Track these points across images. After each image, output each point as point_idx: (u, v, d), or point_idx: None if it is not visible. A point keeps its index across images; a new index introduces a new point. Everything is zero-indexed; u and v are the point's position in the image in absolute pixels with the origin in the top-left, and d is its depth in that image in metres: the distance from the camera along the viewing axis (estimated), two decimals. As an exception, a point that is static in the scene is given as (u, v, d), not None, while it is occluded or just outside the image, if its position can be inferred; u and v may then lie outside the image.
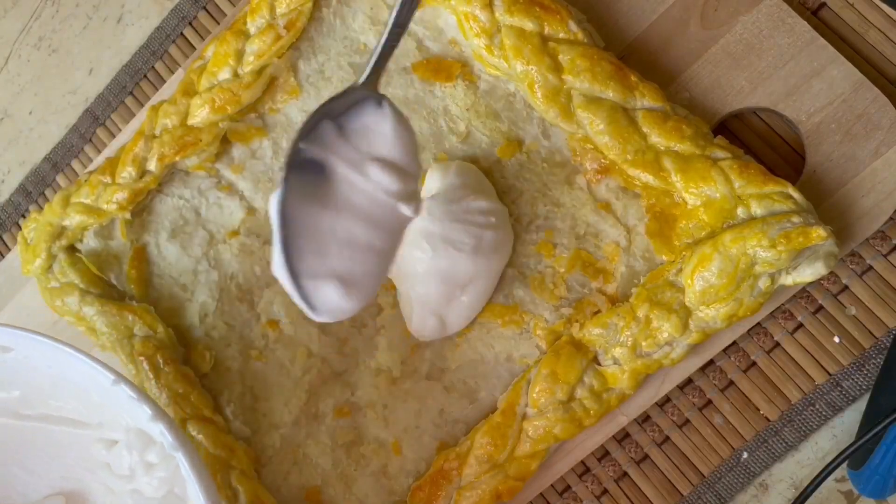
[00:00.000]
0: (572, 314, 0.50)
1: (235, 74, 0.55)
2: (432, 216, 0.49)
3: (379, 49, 0.43)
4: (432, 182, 0.51)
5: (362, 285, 0.42)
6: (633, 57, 0.52)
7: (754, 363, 0.51)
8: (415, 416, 0.53)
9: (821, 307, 0.50)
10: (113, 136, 0.67)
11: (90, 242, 0.58)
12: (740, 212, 0.46)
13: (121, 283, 0.58)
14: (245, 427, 0.55)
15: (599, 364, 0.49)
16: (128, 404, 0.43)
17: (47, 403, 0.50)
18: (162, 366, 0.54)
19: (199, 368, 0.56)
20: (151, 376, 0.54)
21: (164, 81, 0.66)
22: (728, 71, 0.50)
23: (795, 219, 0.45)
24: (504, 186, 0.53)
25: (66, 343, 0.44)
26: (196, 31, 0.66)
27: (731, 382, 0.51)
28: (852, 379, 0.49)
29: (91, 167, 0.61)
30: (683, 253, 0.48)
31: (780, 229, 0.44)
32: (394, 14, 0.42)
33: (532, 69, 0.49)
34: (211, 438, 0.52)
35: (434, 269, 0.50)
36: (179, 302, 0.57)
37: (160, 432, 0.42)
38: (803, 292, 0.50)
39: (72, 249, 0.58)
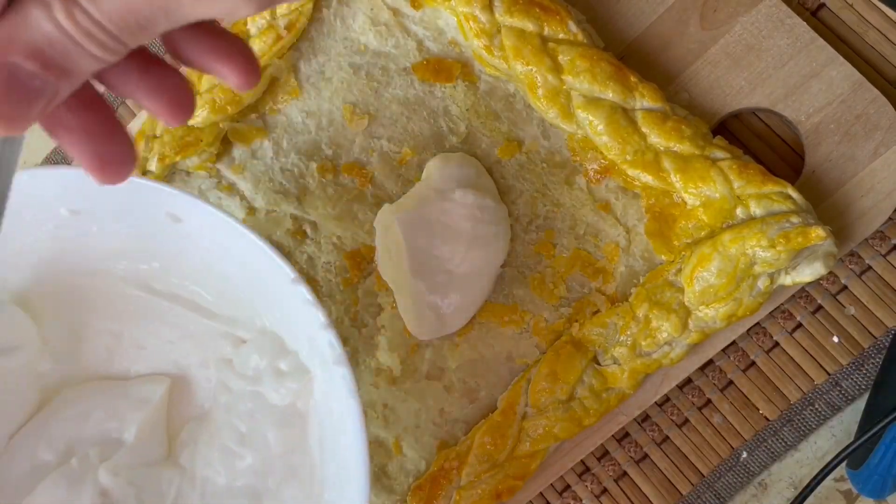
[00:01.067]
0: (572, 314, 0.51)
1: (236, 75, 0.55)
2: (424, 204, 0.50)
3: None
4: (432, 171, 0.52)
5: None
6: (633, 57, 0.52)
7: (753, 363, 0.51)
8: (415, 415, 0.53)
9: (820, 307, 0.50)
10: (114, 136, 0.67)
11: (91, 242, 0.59)
12: (739, 212, 0.46)
13: (122, 283, 0.58)
14: (245, 427, 0.55)
15: (599, 364, 0.49)
16: (302, 308, 0.41)
17: (183, 284, 0.48)
18: (163, 365, 0.54)
19: (199, 368, 0.56)
20: (152, 376, 0.54)
21: (164, 82, 0.66)
22: (727, 71, 0.50)
23: (794, 219, 0.45)
24: (504, 187, 0.53)
25: (250, 229, 0.41)
26: (197, 32, 0.66)
27: (731, 382, 0.51)
28: (851, 378, 0.49)
29: (92, 167, 0.61)
30: (683, 253, 0.48)
31: (779, 229, 0.44)
32: None
33: (532, 70, 0.49)
34: (212, 438, 0.53)
35: (425, 259, 0.50)
36: (180, 302, 0.57)
37: (329, 342, 0.40)
38: (802, 292, 0.50)
39: (73, 249, 0.59)
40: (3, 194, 0.31)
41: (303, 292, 0.41)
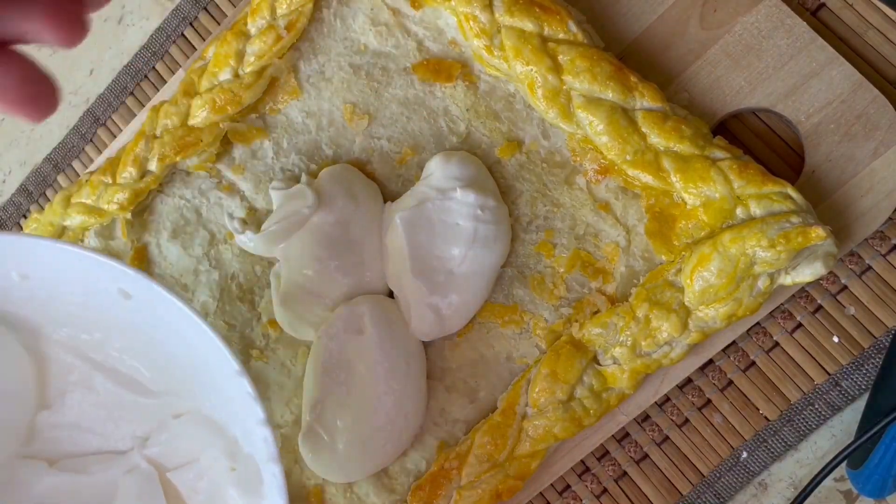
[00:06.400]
0: (572, 314, 0.51)
1: (236, 75, 0.55)
2: (425, 203, 0.50)
3: None
4: (433, 169, 0.52)
5: None
6: (633, 57, 0.52)
7: (753, 363, 0.51)
8: (415, 415, 0.53)
9: (820, 307, 0.50)
10: (114, 136, 0.67)
11: (91, 242, 0.59)
12: (739, 212, 0.46)
13: (122, 283, 0.58)
14: (246, 427, 0.55)
15: (599, 364, 0.49)
16: (243, 401, 0.41)
17: (121, 358, 0.47)
18: (163, 365, 0.54)
19: (199, 368, 0.56)
20: (152, 376, 0.54)
21: (164, 82, 0.66)
22: (727, 71, 0.50)
23: (794, 219, 0.45)
24: (504, 186, 0.53)
25: (202, 317, 0.42)
26: (197, 32, 0.66)
27: (731, 382, 0.51)
28: (851, 378, 0.49)
29: (92, 167, 0.61)
30: (683, 253, 0.48)
31: (779, 229, 0.44)
32: None
33: (532, 70, 0.49)
34: (212, 438, 0.53)
35: (425, 258, 0.50)
36: (180, 302, 0.57)
37: (264, 438, 0.40)
38: (802, 292, 0.50)
39: (73, 249, 0.59)
40: None
41: (245, 385, 0.41)
